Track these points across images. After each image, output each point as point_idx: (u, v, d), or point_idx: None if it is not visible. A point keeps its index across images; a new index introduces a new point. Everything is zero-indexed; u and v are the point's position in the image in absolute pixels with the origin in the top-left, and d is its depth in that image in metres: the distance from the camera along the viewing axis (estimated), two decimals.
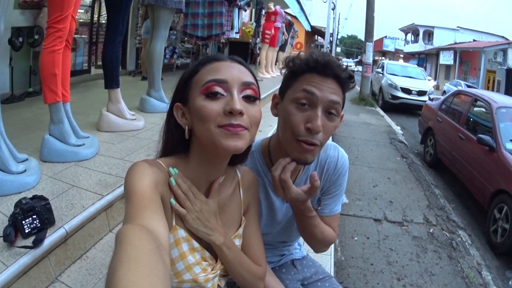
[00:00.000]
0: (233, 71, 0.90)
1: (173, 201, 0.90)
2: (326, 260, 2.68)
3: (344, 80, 1.07)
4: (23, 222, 1.77)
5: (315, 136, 1.03)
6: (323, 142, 1.07)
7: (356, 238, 3.63)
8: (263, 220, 1.29)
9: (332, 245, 2.94)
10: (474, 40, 30.75)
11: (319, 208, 1.27)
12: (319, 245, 1.29)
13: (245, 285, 1.06)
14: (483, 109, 5.51)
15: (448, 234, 3.95)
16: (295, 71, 1.09)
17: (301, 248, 1.63)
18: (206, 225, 0.93)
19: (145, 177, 0.83)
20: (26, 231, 1.78)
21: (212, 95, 0.86)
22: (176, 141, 0.98)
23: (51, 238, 1.87)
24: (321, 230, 1.22)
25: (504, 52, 22.46)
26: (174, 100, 0.97)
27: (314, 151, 1.06)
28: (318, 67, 1.05)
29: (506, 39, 26.96)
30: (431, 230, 3.98)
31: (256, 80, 0.96)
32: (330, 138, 1.17)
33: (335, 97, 1.04)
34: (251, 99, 0.90)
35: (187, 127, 0.93)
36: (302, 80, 1.07)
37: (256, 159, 1.26)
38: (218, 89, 0.86)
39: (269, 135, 1.28)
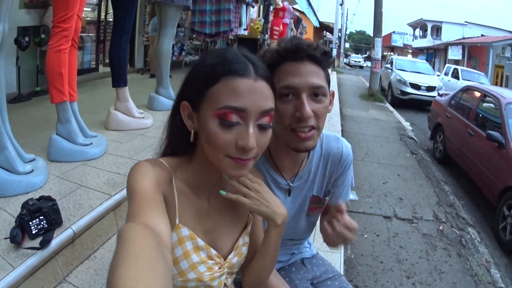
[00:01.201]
0: (255, 96, 0.81)
1: (223, 192, 0.94)
2: (336, 259, 2.66)
3: (320, 58, 1.05)
4: (30, 223, 1.78)
5: (308, 122, 1.03)
6: (319, 125, 1.07)
7: (366, 236, 3.61)
8: None
9: None
10: (482, 35, 30.44)
11: (327, 198, 1.30)
12: None
13: (256, 279, 1.07)
14: (492, 105, 5.44)
15: (457, 232, 3.91)
16: (269, 65, 1.05)
17: (311, 246, 1.62)
18: (267, 205, 0.98)
19: (147, 177, 0.82)
20: (33, 232, 1.79)
21: (228, 124, 0.81)
22: (180, 142, 0.95)
23: (58, 238, 1.88)
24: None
25: None
26: (181, 97, 0.91)
27: (313, 136, 1.06)
28: (289, 55, 1.04)
29: None
30: (440, 227, 3.94)
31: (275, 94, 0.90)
32: (340, 133, 1.15)
33: (315, 80, 1.03)
34: (266, 127, 0.85)
35: (192, 130, 0.89)
36: (278, 72, 1.06)
37: None
38: (235, 117, 0.80)
39: None
